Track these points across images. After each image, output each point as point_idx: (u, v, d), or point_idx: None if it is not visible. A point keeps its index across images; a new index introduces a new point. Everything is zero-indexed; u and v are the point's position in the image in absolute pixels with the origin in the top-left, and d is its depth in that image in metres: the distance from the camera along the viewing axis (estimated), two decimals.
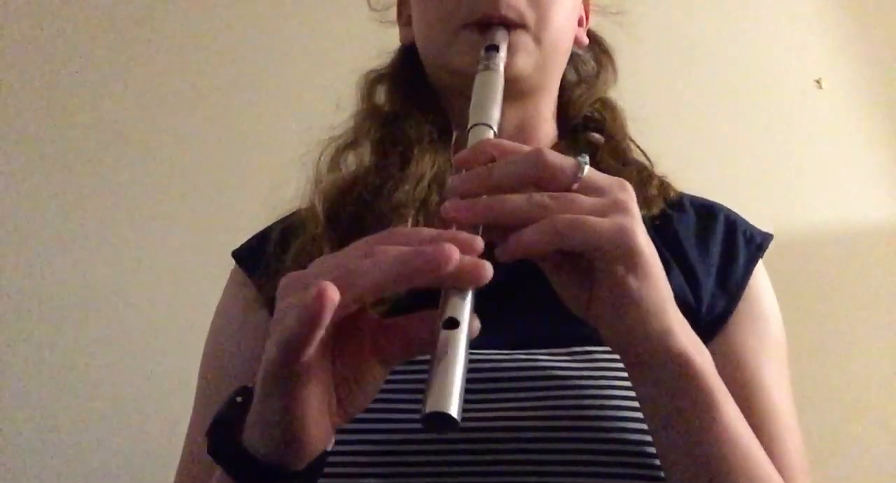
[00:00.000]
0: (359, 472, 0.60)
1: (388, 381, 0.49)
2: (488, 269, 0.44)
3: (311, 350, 0.42)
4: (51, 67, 1.47)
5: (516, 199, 0.47)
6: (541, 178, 0.48)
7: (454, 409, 0.39)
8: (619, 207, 0.47)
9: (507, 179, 0.48)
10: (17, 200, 1.41)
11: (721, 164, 1.52)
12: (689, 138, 1.52)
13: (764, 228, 0.76)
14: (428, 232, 0.46)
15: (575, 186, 0.48)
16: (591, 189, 0.48)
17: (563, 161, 0.48)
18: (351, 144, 0.75)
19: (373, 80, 0.80)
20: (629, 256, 0.46)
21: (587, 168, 0.48)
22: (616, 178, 0.50)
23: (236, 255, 0.78)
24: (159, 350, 1.36)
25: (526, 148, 0.50)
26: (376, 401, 0.49)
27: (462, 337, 0.42)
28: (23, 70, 1.46)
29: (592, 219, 0.46)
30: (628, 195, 0.48)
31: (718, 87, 1.60)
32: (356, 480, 0.60)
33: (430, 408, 0.39)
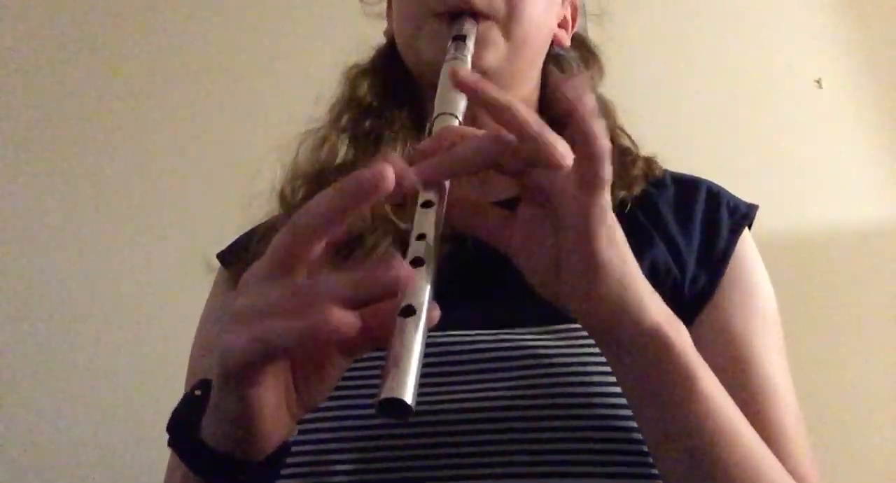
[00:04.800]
0: (330, 459, 0.59)
1: (357, 368, 0.48)
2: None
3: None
4: (46, 67, 1.48)
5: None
6: (500, 156, 0.48)
7: (408, 396, 0.39)
8: None
9: (467, 162, 0.48)
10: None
11: (720, 163, 1.49)
12: (689, 138, 1.51)
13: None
14: None
15: None
16: None
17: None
18: (327, 137, 0.74)
19: (354, 75, 0.79)
20: (599, 213, 0.46)
21: None
22: None
23: (220, 256, 0.79)
24: (150, 352, 1.36)
25: (483, 132, 0.49)
26: (344, 387, 0.48)
27: (419, 324, 0.42)
28: (18, 69, 1.47)
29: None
30: None
31: (718, 88, 1.60)
32: (327, 467, 0.59)
33: (384, 394, 0.39)
